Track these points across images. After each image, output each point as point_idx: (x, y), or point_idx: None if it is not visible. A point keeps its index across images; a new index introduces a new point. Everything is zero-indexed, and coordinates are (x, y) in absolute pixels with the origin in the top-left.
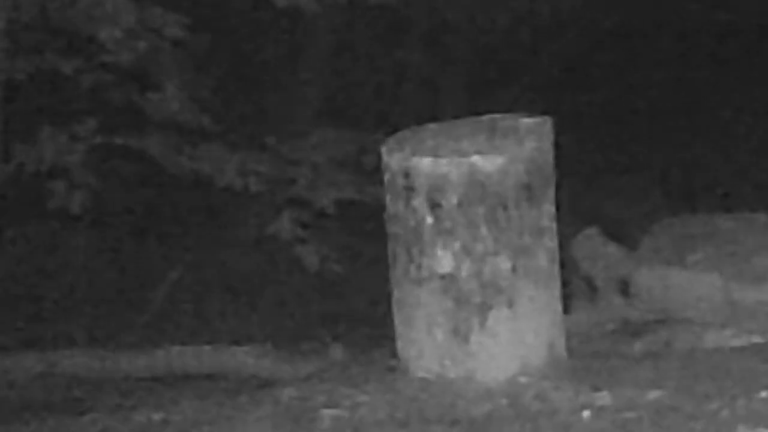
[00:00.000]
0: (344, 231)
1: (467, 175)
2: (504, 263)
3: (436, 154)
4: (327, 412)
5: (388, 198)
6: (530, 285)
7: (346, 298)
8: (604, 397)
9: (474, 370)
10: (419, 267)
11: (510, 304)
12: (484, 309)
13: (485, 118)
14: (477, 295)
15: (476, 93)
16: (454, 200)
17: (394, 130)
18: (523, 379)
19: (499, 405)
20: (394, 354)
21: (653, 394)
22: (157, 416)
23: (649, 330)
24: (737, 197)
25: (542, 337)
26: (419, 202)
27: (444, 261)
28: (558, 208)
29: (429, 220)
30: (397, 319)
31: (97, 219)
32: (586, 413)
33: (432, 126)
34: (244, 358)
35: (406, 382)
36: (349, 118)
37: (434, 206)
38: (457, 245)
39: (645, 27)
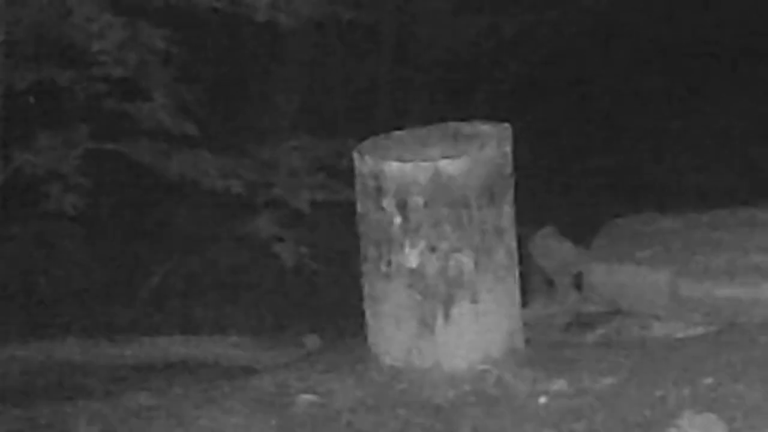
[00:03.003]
0: (319, 230)
1: (432, 178)
2: (467, 260)
3: (403, 159)
4: (303, 398)
5: (359, 199)
6: (491, 280)
7: (321, 292)
8: (559, 384)
9: (439, 359)
10: (388, 263)
11: (472, 298)
12: (449, 302)
13: (449, 125)
14: (442, 290)
15: (441, 102)
16: (421, 201)
17: (365, 136)
18: (484, 367)
19: (462, 391)
20: (365, 344)
21: (605, 381)
22: (146, 401)
23: (601, 322)
24: (682, 198)
25: (502, 329)
26: (388, 203)
27: (411, 257)
28: (517, 209)
29: (397, 219)
30: (368, 312)
31: (90, 219)
32: (542, 399)
33: (400, 133)
34: (227, 348)
35: (377, 370)
36: (324, 125)
37: (402, 207)
38: (423, 243)
39: (598, 41)
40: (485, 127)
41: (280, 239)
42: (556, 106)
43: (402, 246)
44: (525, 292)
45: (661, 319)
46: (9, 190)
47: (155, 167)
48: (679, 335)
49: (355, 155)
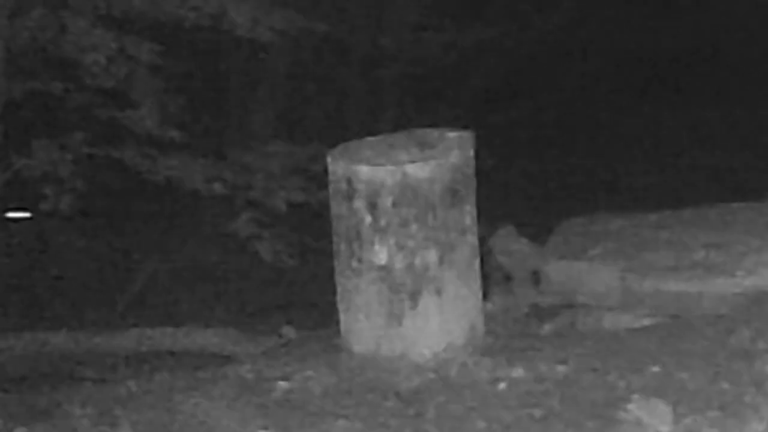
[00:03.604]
0: (295, 229)
1: (400, 180)
2: (432, 256)
3: (373, 163)
4: (280, 384)
5: (332, 200)
6: (455, 275)
7: (297, 287)
8: (517, 371)
9: (406, 348)
10: (359, 260)
11: (437, 292)
12: (415, 296)
13: (416, 132)
14: (409, 284)
15: (408, 110)
16: (389, 202)
17: (338, 142)
18: (448, 356)
19: (427, 378)
20: (337, 334)
21: (560, 369)
22: (135, 387)
23: (556, 314)
24: (631, 199)
25: (465, 320)
26: (359, 203)
27: (380, 254)
28: (478, 210)
29: (367, 219)
30: (341, 305)
31: (83, 218)
32: (502, 385)
33: (370, 139)
34: (210, 338)
35: (348, 358)
36: (299, 132)
37: (372, 207)
38: (391, 241)
39: (553, 54)
40: (449, 134)
41: (259, 237)
42: (514, 114)
43: (372, 244)
44: (486, 286)
45: (612, 312)
46: (8, 192)
47: (143, 171)
48: (629, 326)
49: (329, 159)
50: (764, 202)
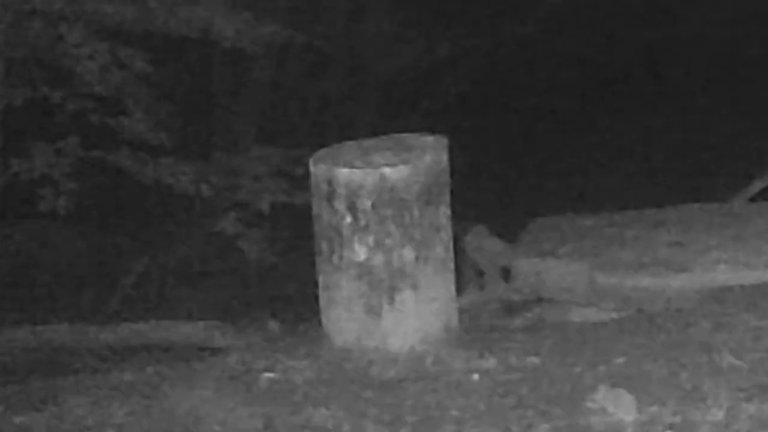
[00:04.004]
0: (279, 228)
1: (379, 182)
2: (409, 254)
3: (353, 166)
4: (265, 375)
5: (314, 201)
6: (430, 272)
7: (281, 283)
8: (489, 362)
9: (384, 341)
10: (340, 257)
11: (413, 287)
12: (393, 291)
13: (393, 136)
14: (386, 280)
15: (386, 116)
16: (368, 203)
17: (319, 146)
18: (424, 348)
19: (404, 368)
20: (319, 328)
21: (530, 360)
22: (127, 377)
23: (526, 308)
24: (598, 200)
25: (440, 314)
26: (340, 204)
27: (360, 252)
28: (452, 210)
29: (347, 219)
30: (322, 299)
31: (78, 218)
32: (475, 375)
33: (350, 143)
34: (198, 331)
35: (330, 350)
36: (283, 136)
37: (352, 208)
38: (370, 239)
39: (523, 63)
40: (424, 139)
41: (245, 236)
42: (486, 119)
43: (351, 242)
44: (459, 282)
45: (579, 306)
46: (8, 194)
47: (135, 173)
48: (595, 320)
49: (311, 163)
50: (722, 203)
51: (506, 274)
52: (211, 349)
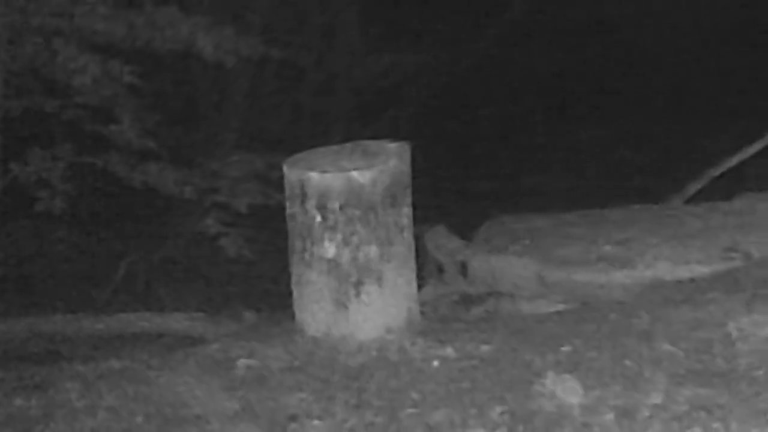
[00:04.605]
0: (255, 227)
1: (346, 185)
2: (374, 251)
3: (323, 170)
4: (243, 362)
5: (287, 202)
6: (393, 267)
7: (257, 278)
8: (448, 350)
9: (351, 331)
10: (311, 254)
11: (378, 282)
12: (359, 285)
13: (360, 143)
14: (353, 275)
15: (354, 125)
16: (337, 204)
17: (293, 152)
18: (388, 337)
19: (370, 356)
20: (292, 318)
21: (484, 348)
22: (117, 364)
23: (481, 301)
24: (548, 201)
25: (402, 306)
26: (311, 205)
27: (329, 249)
28: (414, 210)
29: (318, 218)
30: (295, 293)
31: (72, 218)
32: (435, 362)
33: (321, 149)
34: (181, 322)
35: (302, 339)
36: (259, 143)
37: (322, 208)
38: (339, 237)
39: (484, 75)
40: (389, 145)
41: (224, 235)
42: (448, 127)
43: (322, 240)
44: (420, 276)
45: (530, 299)
46: (7, 195)
47: (124, 177)
48: (544, 312)
49: (284, 167)
50: (662, 204)
51: (463, 269)
52: (193, 339)
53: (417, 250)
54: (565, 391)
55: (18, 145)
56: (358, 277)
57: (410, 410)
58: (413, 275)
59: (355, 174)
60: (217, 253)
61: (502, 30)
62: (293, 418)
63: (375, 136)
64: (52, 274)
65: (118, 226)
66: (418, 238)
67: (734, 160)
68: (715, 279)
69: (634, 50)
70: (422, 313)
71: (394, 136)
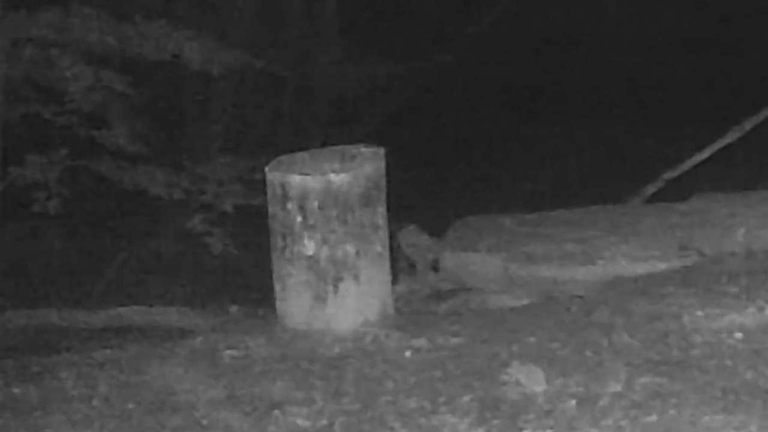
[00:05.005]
0: (240, 226)
1: (325, 187)
2: (351, 249)
3: (303, 173)
4: (227, 353)
5: (270, 203)
6: (369, 264)
7: (241, 273)
8: (420, 342)
9: (330, 323)
10: (292, 251)
11: (355, 277)
12: (337, 281)
13: (338, 148)
14: (331, 271)
15: (332, 130)
16: (316, 205)
17: (274, 156)
18: (364, 329)
19: (347, 347)
20: (274, 312)
21: (454, 340)
22: (110, 355)
23: (452, 296)
24: (514, 202)
25: (378, 301)
26: (291, 205)
27: (309, 247)
28: (388, 210)
29: (298, 218)
30: (277, 288)
31: (67, 218)
32: (408, 353)
33: (301, 153)
34: (170, 315)
35: (283, 331)
36: (243, 147)
37: (302, 209)
38: (318, 236)
39: (451, 84)
40: (364, 149)
41: (210, 233)
42: (418, 132)
43: (302, 238)
44: (395, 273)
45: (497, 294)
46: (6, 197)
47: (116, 179)
48: (510, 305)
49: (267, 170)
50: (621, 204)
51: (435, 266)
52: (181, 331)
53: (391, 248)
54: (530, 379)
55: (17, 149)
56: (335, 273)
57: (385, 398)
58: (388, 272)
59: (332, 176)
60: (204, 250)
61: (465, 42)
62: (275, 405)
63: (351, 141)
64: (48, 270)
65: (110, 225)
66: (392, 237)
67: (689, 164)
68: (670, 275)
69: (592, 61)
70: (396, 307)
71: (369, 140)
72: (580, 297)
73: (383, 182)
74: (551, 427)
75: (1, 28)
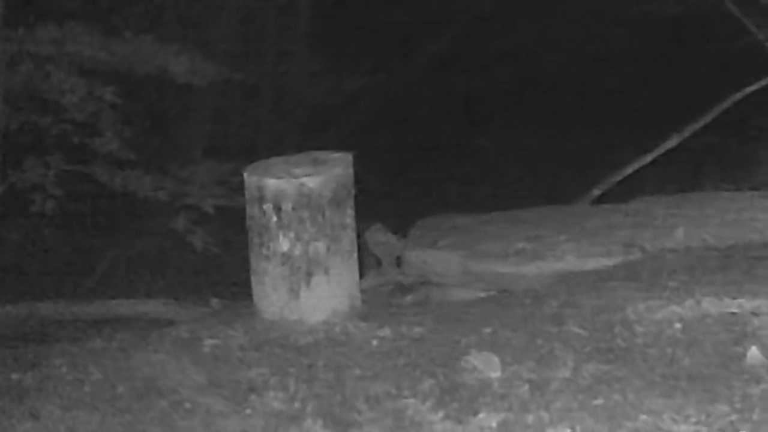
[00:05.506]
0: (220, 226)
1: (298, 190)
2: (322, 246)
3: (278, 177)
4: (209, 341)
5: (248, 204)
6: (338, 260)
7: (221, 269)
8: (385, 332)
9: (302, 314)
10: (268, 248)
11: (325, 272)
12: (309, 275)
13: (310, 153)
14: (304, 267)
15: (305, 137)
16: (290, 206)
17: (252, 161)
18: (334, 320)
19: (318, 336)
20: (252, 304)
21: (416, 330)
22: (101, 344)
23: (415, 289)
24: (472, 203)
25: (346, 294)
26: (268, 207)
27: (283, 244)
28: (356, 211)
29: (274, 218)
30: (254, 282)
31: (62, 219)
32: (374, 342)
33: (276, 158)
34: (156, 307)
35: (260, 322)
36: (224, 153)
37: (277, 209)
38: (292, 234)
39: (417, 94)
40: (334, 155)
41: (193, 232)
42: (385, 139)
43: (277, 236)
44: (362, 268)
45: (456, 287)
46: (6, 199)
47: (107, 182)
48: (467, 298)
49: (245, 174)
50: (570, 205)
51: (399, 262)
52: (166, 322)
53: (359, 246)
54: (487, 366)
55: (15, 155)
56: (308, 268)
57: (353, 383)
58: (356, 267)
59: (305, 180)
60: (187, 248)
61: (428, 58)
62: (252, 389)
63: (322, 147)
64: (44, 266)
65: (101, 224)
66: (359, 236)
67: (631, 168)
68: (615, 270)
69: (543, 75)
70: (363, 299)
71: (339, 147)
72: (533, 291)
73: (352, 185)
74: (506, 410)
75: (2, 44)
